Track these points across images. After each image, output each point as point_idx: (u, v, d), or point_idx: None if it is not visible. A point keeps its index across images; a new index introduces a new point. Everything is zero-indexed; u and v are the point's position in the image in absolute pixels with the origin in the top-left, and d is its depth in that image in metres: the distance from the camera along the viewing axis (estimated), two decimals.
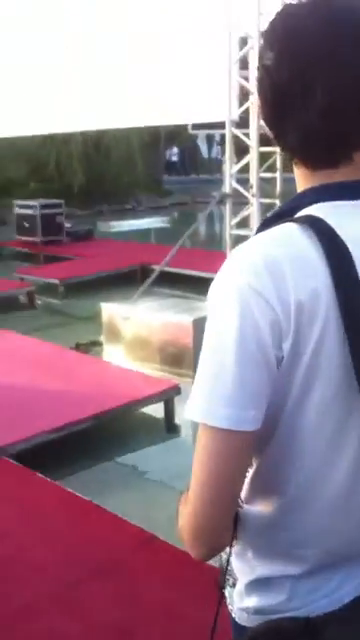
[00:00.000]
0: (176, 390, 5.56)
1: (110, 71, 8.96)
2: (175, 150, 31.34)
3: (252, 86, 6.98)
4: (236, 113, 7.68)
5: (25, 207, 14.89)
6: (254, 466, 1.18)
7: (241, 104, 7.69)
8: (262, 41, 1.17)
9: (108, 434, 5.38)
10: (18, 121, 10.57)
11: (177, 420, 5.55)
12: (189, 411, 1.10)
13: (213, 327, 1.10)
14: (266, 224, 1.16)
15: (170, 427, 5.54)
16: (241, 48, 7.54)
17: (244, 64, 7.54)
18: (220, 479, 1.11)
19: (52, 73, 9.61)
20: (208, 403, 1.08)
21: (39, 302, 10.38)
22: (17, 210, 15.01)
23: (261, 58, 1.15)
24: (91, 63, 9.14)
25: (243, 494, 1.20)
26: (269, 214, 1.21)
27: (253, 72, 7.17)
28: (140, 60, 8.63)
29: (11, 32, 10.04)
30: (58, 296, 10.59)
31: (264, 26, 1.18)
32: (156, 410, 5.68)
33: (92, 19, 9.05)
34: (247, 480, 1.19)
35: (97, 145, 21.65)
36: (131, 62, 8.72)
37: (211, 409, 1.07)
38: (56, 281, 10.80)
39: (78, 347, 7.46)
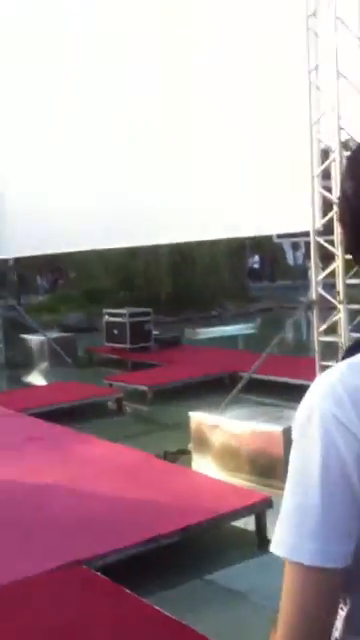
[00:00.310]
0: (268, 503, 5.33)
1: (198, 187, 9.26)
2: (256, 258, 31.82)
3: (334, 196, 7.04)
4: (319, 223, 7.74)
5: (114, 315, 15.36)
6: (348, 604, 1.12)
7: (325, 214, 7.76)
8: (345, 169, 1.21)
9: (196, 548, 5.20)
10: (110, 235, 10.98)
11: (269, 535, 5.27)
12: (274, 545, 1.08)
13: (298, 458, 1.08)
14: (351, 351, 1.15)
15: (262, 542, 5.24)
16: (323, 160, 7.68)
17: (326, 174, 7.66)
18: (306, 619, 1.05)
19: (141, 190, 9.98)
20: (293, 537, 1.05)
21: (127, 408, 10.38)
22: (106, 318, 15.46)
23: (342, 185, 1.18)
24: (180, 178, 9.45)
25: (338, 633, 1.13)
26: (353, 341, 1.21)
27: (336, 182, 7.29)
28: (226, 175, 8.91)
29: (96, 156, 10.56)
30: (146, 402, 10.57)
31: (344, 139, 1.24)
32: (247, 523, 5.47)
33: (187, 140, 9.42)
34: (341, 619, 1.12)
35: (184, 254, 22.22)
36: (218, 177, 9.01)
37: (296, 544, 1.04)
38: (145, 387, 10.81)
39: (166, 456, 7.36)
